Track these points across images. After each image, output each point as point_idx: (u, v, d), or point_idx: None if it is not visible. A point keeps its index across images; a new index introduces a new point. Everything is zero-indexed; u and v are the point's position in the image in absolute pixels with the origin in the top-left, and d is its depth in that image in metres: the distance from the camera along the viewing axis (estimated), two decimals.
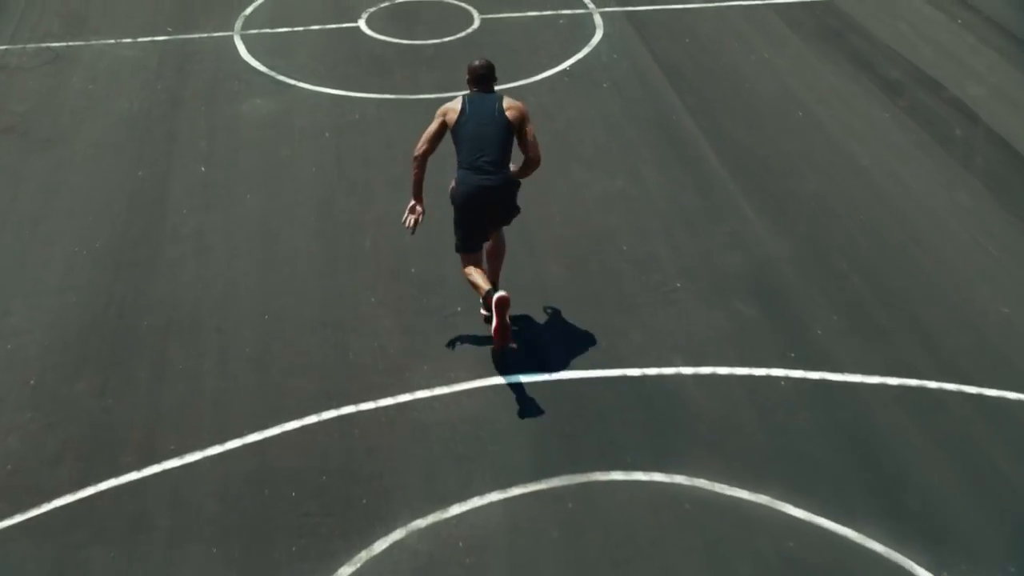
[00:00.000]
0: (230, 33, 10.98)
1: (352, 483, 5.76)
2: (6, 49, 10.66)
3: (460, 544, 5.38)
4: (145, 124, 9.31)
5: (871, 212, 8.05)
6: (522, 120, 6.47)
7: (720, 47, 10.67)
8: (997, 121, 9.22)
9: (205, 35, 10.96)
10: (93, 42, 10.82)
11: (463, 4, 11.56)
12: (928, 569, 5.21)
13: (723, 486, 5.68)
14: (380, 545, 5.37)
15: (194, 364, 6.62)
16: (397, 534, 5.43)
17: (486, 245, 6.68)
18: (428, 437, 6.07)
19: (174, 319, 7.00)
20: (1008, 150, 8.82)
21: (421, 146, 6.46)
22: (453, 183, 6.50)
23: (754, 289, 7.24)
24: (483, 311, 6.71)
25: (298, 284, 7.34)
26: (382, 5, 11.58)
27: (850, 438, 6.01)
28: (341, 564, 5.27)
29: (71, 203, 8.20)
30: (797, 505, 5.55)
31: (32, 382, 6.45)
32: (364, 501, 5.64)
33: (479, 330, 6.82)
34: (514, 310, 6.91)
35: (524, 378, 6.49)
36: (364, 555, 5.33)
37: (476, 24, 11.12)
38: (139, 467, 5.84)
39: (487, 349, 6.67)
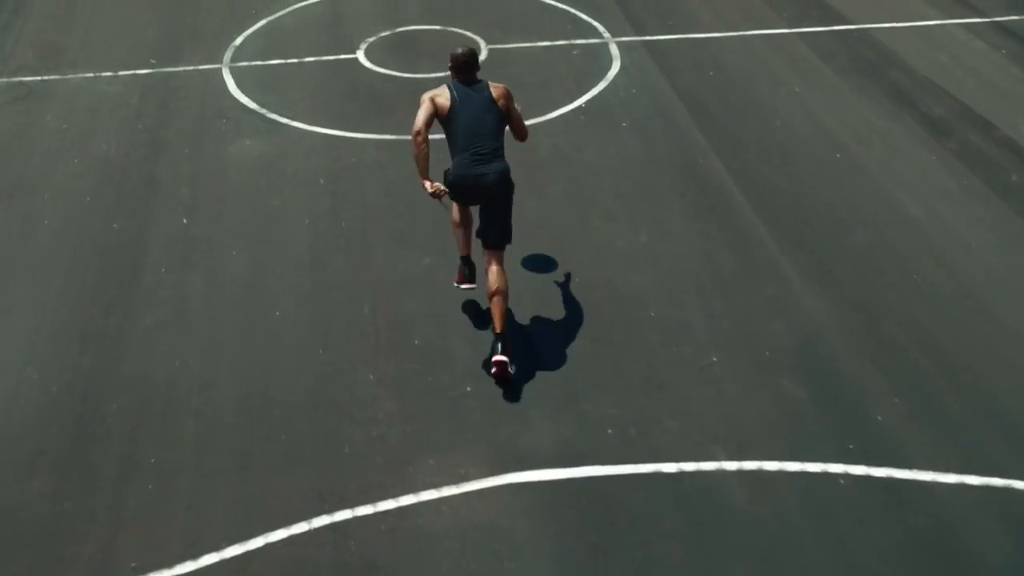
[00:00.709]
0: (218, 66, 10.19)
1: None
2: None
3: None
4: (123, 169, 8.50)
5: (926, 272, 7.23)
6: (509, 104, 6.43)
7: (747, 80, 9.87)
8: None
9: (191, 68, 10.16)
10: (70, 76, 10.02)
11: (469, 33, 10.77)
12: None
13: None
14: None
15: (167, 457, 5.79)
16: None
17: (489, 284, 6.42)
18: (435, 550, 5.24)
19: (147, 401, 6.18)
20: None
21: (419, 125, 6.22)
22: (449, 172, 6.41)
23: (801, 365, 6.42)
24: (456, 278, 6.81)
25: (288, 359, 6.52)
26: (382, 35, 10.79)
27: (929, 552, 5.18)
28: None
29: (35, 261, 7.39)
30: None
31: None
32: None
33: (492, 414, 6.01)
34: (532, 390, 6.13)
35: (545, 475, 5.66)
36: None
37: (483, 55, 10.32)
38: None
39: (502, 439, 5.85)
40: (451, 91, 6.31)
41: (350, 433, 5.95)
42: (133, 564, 5.14)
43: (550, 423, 6.00)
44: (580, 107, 9.42)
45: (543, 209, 7.93)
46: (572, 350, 6.56)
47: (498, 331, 6.24)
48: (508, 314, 6.46)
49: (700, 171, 8.43)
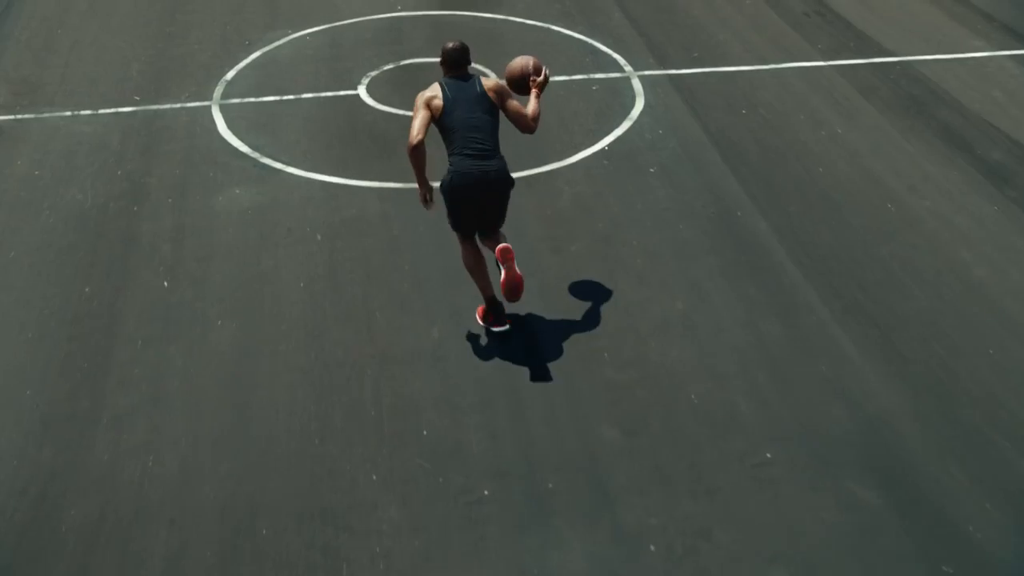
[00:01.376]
0: (207, 103, 9.38)
1: None
2: None
3: None
4: (99, 222, 7.68)
5: (1002, 346, 6.39)
6: (503, 97, 6.23)
7: (783, 119, 9.05)
8: None
9: (178, 105, 9.34)
10: (46, 115, 9.21)
11: (479, 66, 9.94)
12: None
13: None
14: None
15: None
16: None
17: (486, 243, 6.34)
18: None
19: (112, 505, 5.34)
20: None
21: (418, 135, 6.01)
22: (444, 178, 6.18)
23: (870, 461, 5.57)
24: (479, 318, 6.51)
25: (278, 453, 5.68)
26: (385, 68, 9.98)
27: None
28: None
29: None
30: None
31: None
32: None
33: (512, 525, 5.17)
34: (557, 492, 5.29)
35: None
36: None
37: None
38: None
39: (524, 557, 5.01)
40: (443, 89, 6.13)
41: (349, 548, 5.10)
42: None
43: (580, 536, 5.15)
44: (603, 150, 8.59)
45: (565, 269, 7.10)
46: (602, 442, 5.72)
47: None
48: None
49: (738, 224, 7.59)
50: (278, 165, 8.39)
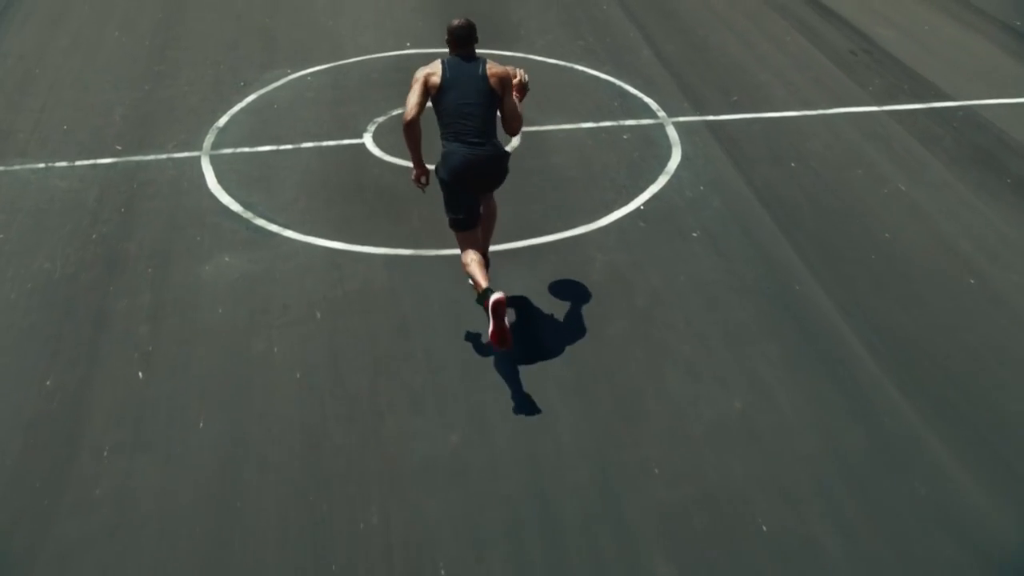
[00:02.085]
0: (196, 153, 8.44)
1: None
2: None
3: None
4: (67, 298, 6.73)
5: None
6: (504, 88, 5.97)
7: (839, 175, 8.09)
8: None
9: (164, 156, 8.41)
10: (16, 167, 8.28)
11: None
12: None
13: None
14: None
15: None
16: None
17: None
18: None
19: None
20: None
21: (412, 111, 5.80)
22: (439, 159, 6.02)
23: None
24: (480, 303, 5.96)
25: None
26: (394, 113, 9.04)
27: None
28: None
29: None
30: None
31: None
32: None
33: None
34: None
35: None
36: None
37: (516, 140, 8.57)
38: None
39: None
40: (444, 67, 5.90)
41: None
42: None
43: None
44: (638, 210, 7.63)
45: (603, 358, 6.13)
46: None
47: (485, 287, 5.80)
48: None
49: (798, 302, 6.62)
50: (273, 227, 7.44)
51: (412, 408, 5.78)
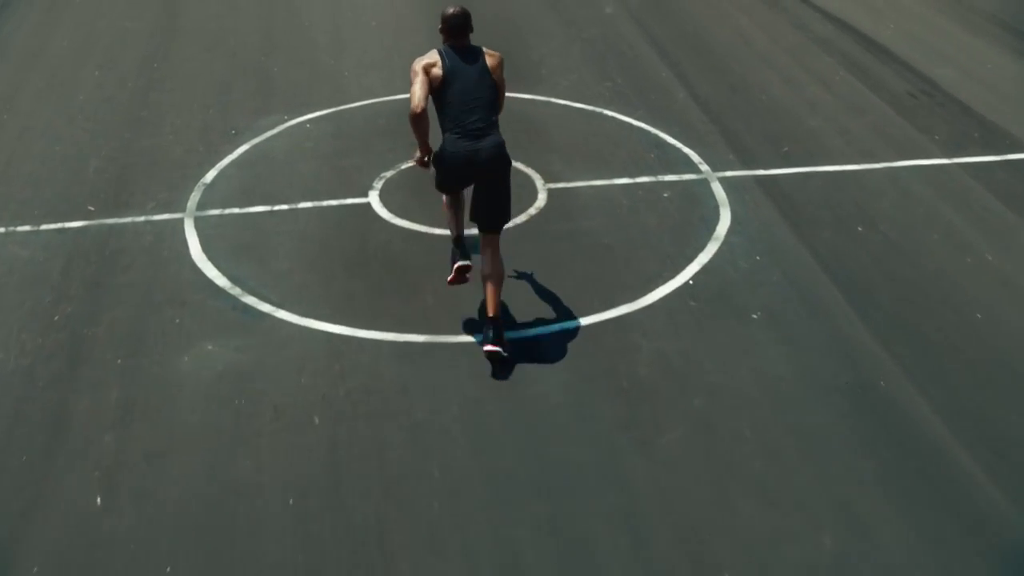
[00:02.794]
0: (179, 215, 7.42)
1: None
2: None
3: None
4: (20, 398, 5.70)
5: None
6: (501, 72, 5.87)
7: (914, 240, 7.07)
8: None
9: (142, 219, 7.39)
10: None
11: (519, 165, 8.01)
12: None
13: None
14: None
15: None
16: None
17: (484, 269, 5.93)
18: None
19: None
20: None
21: (421, 103, 5.65)
22: (437, 151, 5.87)
23: None
24: (453, 257, 6.06)
25: None
26: (404, 167, 8.02)
27: None
28: None
29: None
30: None
31: None
32: None
33: None
34: None
35: None
36: None
37: (541, 199, 7.56)
38: None
39: None
40: (443, 58, 5.72)
41: None
42: None
43: None
44: (687, 285, 6.60)
45: (656, 476, 5.09)
46: None
47: (491, 315, 5.77)
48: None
49: (886, 403, 5.58)
50: (265, 307, 6.41)
51: (429, 547, 4.73)
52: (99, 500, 5.00)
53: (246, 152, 8.32)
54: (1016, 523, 4.80)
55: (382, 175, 7.93)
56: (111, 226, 7.32)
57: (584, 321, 6.25)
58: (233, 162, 8.16)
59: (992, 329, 6.16)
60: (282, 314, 6.35)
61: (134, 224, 7.34)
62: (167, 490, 5.05)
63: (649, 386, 5.72)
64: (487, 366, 5.80)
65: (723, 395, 5.65)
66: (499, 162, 5.80)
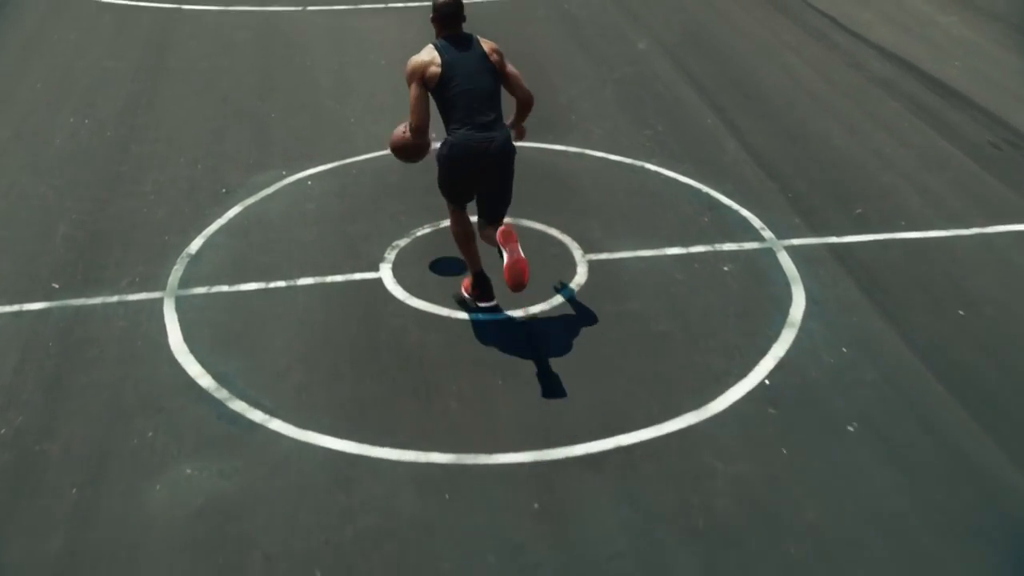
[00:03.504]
0: (158, 294, 6.33)
1: None
2: None
3: None
4: None
5: None
6: (502, 60, 5.57)
7: None
8: None
9: (115, 298, 6.30)
10: None
11: (553, 231, 6.92)
12: None
13: None
14: None
15: None
16: None
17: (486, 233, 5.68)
18: None
19: None
20: None
21: (424, 119, 5.51)
22: (443, 146, 5.55)
23: None
24: (465, 291, 6.00)
25: None
26: (420, 233, 6.95)
27: None
28: None
29: None
30: None
31: None
32: None
33: None
34: None
35: None
36: None
37: (581, 273, 6.47)
38: None
39: None
40: (439, 53, 5.48)
41: None
42: None
43: None
44: (763, 386, 5.48)
45: None
46: None
47: (504, 239, 5.39)
48: None
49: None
50: (257, 415, 5.31)
51: None
52: None
53: (238, 215, 7.23)
54: None
55: (395, 244, 6.83)
56: (77, 308, 6.22)
57: (642, 435, 5.15)
58: (223, 227, 7.07)
59: None
60: (277, 424, 5.23)
61: (105, 306, 6.23)
62: None
63: (731, 527, 4.60)
64: (528, 497, 4.71)
65: (825, 534, 4.53)
66: (507, 156, 5.57)
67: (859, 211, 7.22)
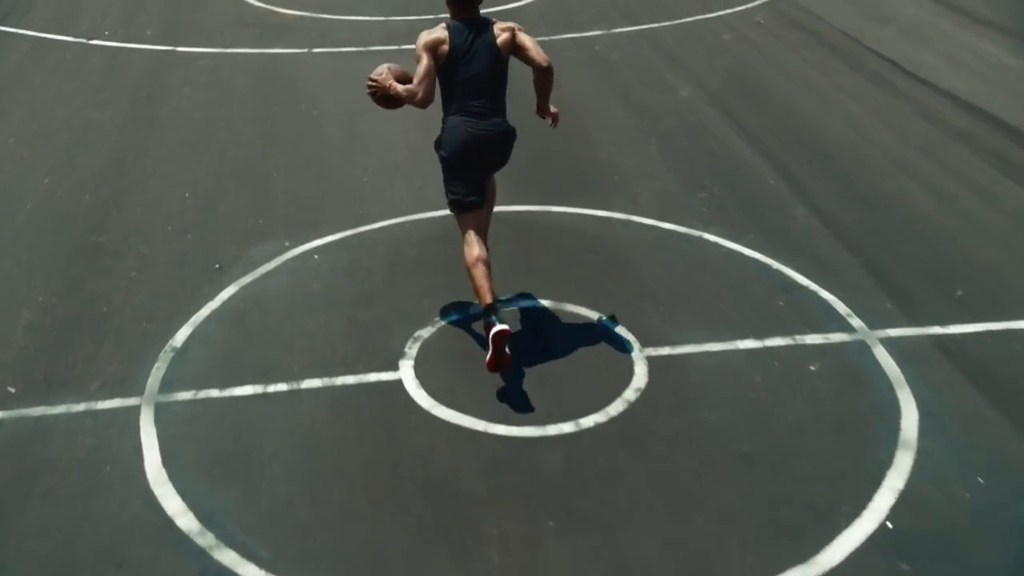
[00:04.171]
0: (135, 401, 5.27)
1: None
2: None
3: None
4: None
5: None
6: (514, 38, 5.33)
7: None
8: None
9: (81, 406, 5.23)
10: None
11: (600, 316, 5.84)
12: None
13: None
14: None
15: None
16: None
17: (479, 254, 5.34)
18: None
19: None
20: None
21: (429, 92, 5.24)
22: (437, 145, 5.47)
23: None
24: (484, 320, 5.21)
25: None
26: (444, 323, 5.86)
27: None
28: None
29: None
30: None
31: None
32: None
33: None
34: None
35: None
36: None
37: (640, 374, 5.40)
38: None
39: None
40: (450, 35, 5.24)
41: None
42: None
43: None
44: (884, 528, 4.38)
45: None
46: None
47: (489, 302, 5.10)
48: None
49: None
50: (250, 570, 4.21)
51: None
52: None
53: (233, 297, 6.18)
54: None
55: (416, 335, 5.76)
56: (36, 420, 5.15)
57: None
58: (215, 313, 6.01)
59: None
60: None
61: (69, 417, 5.16)
62: None
63: None
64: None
65: None
66: (504, 142, 5.41)
67: (960, 293, 6.16)
